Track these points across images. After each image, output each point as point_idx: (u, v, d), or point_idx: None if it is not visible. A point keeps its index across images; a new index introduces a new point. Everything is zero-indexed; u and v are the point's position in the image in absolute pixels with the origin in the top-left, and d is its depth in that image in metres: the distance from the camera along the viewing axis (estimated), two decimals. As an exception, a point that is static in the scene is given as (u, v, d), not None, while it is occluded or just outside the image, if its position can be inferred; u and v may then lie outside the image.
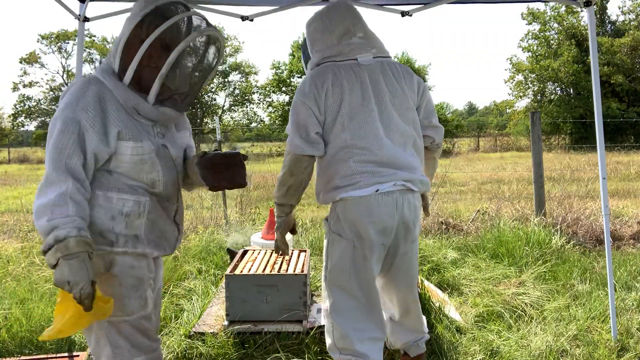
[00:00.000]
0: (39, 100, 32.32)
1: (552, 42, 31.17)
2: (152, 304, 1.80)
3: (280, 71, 34.74)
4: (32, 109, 32.32)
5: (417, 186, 2.03)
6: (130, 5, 3.18)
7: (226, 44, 35.29)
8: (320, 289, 3.69)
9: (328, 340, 2.16)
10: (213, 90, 34.77)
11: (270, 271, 3.14)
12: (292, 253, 3.59)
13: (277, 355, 2.72)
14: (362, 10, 2.29)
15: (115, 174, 1.66)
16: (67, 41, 31.80)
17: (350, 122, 2.00)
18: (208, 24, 1.73)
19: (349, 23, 2.10)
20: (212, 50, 1.77)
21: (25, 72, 36.31)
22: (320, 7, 2.22)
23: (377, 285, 2.16)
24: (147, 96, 1.64)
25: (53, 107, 31.86)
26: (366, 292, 2.07)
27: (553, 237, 4.86)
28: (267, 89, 36.22)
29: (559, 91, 31.29)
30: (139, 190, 1.69)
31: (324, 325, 2.98)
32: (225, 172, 1.78)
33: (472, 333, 3.09)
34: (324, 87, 2.00)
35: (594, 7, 3.02)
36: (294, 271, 3.11)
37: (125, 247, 1.66)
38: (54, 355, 2.81)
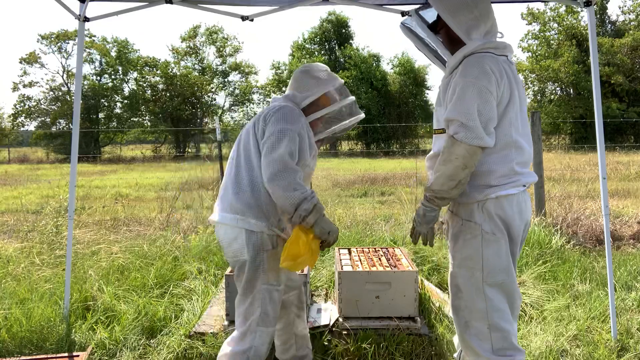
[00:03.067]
0: (39, 100, 32.10)
1: (552, 42, 31.15)
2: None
3: (280, 71, 34.77)
4: (32, 109, 32.14)
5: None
6: (129, 5, 3.18)
7: (227, 44, 35.30)
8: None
9: (484, 346, 2.02)
10: (213, 90, 34.77)
11: (270, 271, 3.13)
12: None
13: (277, 355, 2.72)
14: (361, 10, 2.30)
15: None
16: (67, 41, 31.66)
17: (516, 120, 1.99)
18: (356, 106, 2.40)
19: (494, 20, 2.09)
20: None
21: (25, 72, 36.17)
22: (320, 7, 2.22)
23: None
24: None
25: (53, 107, 31.76)
26: (515, 288, 2.07)
27: (553, 237, 4.86)
28: (267, 89, 36.22)
29: (559, 91, 31.28)
30: None
31: (324, 325, 2.99)
32: None
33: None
34: (502, 79, 1.93)
35: (594, 7, 3.02)
36: (294, 271, 3.11)
37: (285, 233, 2.18)
38: (54, 355, 2.81)
